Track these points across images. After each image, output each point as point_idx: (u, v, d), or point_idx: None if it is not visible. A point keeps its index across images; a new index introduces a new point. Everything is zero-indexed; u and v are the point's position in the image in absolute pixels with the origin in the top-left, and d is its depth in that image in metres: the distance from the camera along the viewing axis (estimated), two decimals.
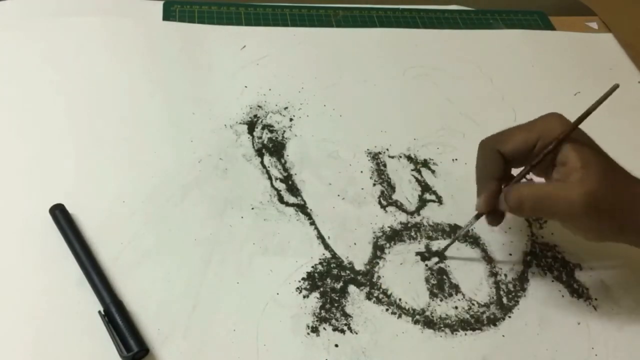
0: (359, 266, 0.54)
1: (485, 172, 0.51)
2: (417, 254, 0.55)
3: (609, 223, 0.47)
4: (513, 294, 0.53)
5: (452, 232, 0.57)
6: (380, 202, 0.59)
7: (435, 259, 0.55)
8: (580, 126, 0.48)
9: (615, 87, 0.46)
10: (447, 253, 0.55)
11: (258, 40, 0.74)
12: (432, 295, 0.53)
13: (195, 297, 0.50)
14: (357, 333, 0.50)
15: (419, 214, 0.58)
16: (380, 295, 0.52)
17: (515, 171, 0.52)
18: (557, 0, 0.88)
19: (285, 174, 0.60)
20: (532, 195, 0.47)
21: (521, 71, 0.75)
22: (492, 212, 0.52)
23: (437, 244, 0.56)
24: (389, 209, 0.58)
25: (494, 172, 0.50)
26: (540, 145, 0.49)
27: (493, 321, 0.52)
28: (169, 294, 0.50)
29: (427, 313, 0.51)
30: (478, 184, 0.51)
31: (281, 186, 0.59)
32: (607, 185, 0.46)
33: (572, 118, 0.51)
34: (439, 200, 0.60)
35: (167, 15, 0.76)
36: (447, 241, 0.56)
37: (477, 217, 0.52)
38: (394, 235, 0.56)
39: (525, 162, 0.50)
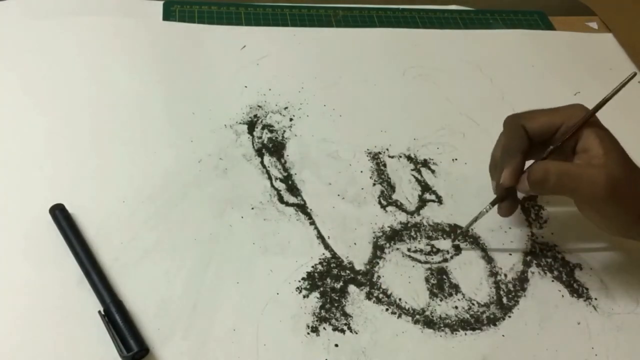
0: (359, 266, 0.54)
1: (512, 146, 0.51)
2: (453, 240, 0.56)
3: (627, 211, 0.48)
4: (513, 294, 0.53)
5: (452, 232, 0.57)
6: (380, 202, 0.59)
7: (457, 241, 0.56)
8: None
9: (633, 75, 0.48)
10: (447, 254, 0.55)
11: (258, 40, 0.74)
12: (432, 295, 0.53)
13: (195, 297, 0.50)
14: (357, 333, 0.50)
15: (418, 214, 0.58)
16: (380, 295, 0.52)
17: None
18: (557, 0, 0.89)
19: (285, 174, 0.60)
20: (558, 171, 0.48)
21: (521, 71, 0.75)
22: (507, 199, 0.53)
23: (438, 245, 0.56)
24: (389, 208, 0.58)
25: (520, 146, 0.50)
26: (564, 131, 0.50)
27: (493, 321, 0.52)
28: (169, 294, 0.50)
29: (427, 313, 0.51)
30: (503, 159, 0.51)
31: (281, 186, 0.59)
32: (628, 173, 0.48)
33: None
34: (439, 200, 0.60)
35: (167, 15, 0.76)
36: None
37: (494, 202, 0.53)
38: (394, 235, 0.56)
39: (546, 144, 0.51)
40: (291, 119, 0.65)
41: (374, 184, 0.60)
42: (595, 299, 0.54)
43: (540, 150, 0.52)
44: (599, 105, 0.49)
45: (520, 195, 0.54)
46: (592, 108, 0.50)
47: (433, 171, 0.62)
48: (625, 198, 0.47)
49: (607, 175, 0.47)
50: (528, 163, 0.51)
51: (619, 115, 0.50)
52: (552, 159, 0.51)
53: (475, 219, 0.55)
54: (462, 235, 0.56)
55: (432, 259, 0.55)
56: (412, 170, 0.62)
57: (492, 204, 0.54)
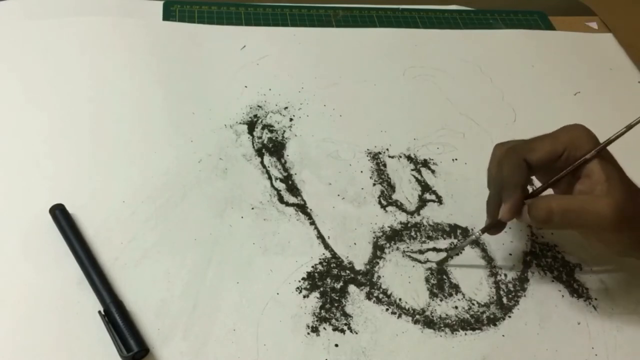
0: (359, 266, 0.54)
1: (512, 181, 0.49)
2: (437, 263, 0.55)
3: (631, 235, 0.48)
4: (513, 293, 0.53)
5: (452, 232, 0.57)
6: (380, 202, 0.59)
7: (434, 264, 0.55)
8: (581, 122, 0.48)
9: None
10: (447, 254, 0.55)
11: (258, 40, 0.74)
12: (432, 295, 0.53)
13: (195, 297, 0.50)
14: (357, 333, 0.50)
15: (419, 214, 0.58)
16: (380, 295, 0.52)
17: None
18: (557, 0, 0.89)
19: (285, 174, 0.60)
20: (561, 208, 0.47)
21: (521, 71, 0.75)
22: (496, 223, 0.52)
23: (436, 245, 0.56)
24: (389, 208, 0.58)
25: (520, 180, 0.49)
26: (567, 156, 0.49)
27: (493, 321, 0.52)
28: (169, 294, 0.50)
29: (427, 313, 0.51)
30: (503, 193, 0.50)
31: (281, 186, 0.59)
32: (631, 198, 0.47)
33: (573, 119, 0.51)
34: (439, 200, 0.60)
35: (167, 15, 0.76)
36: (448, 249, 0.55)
37: (485, 229, 0.52)
38: (394, 235, 0.56)
39: (548, 171, 0.50)
40: (291, 119, 0.65)
41: (374, 184, 0.60)
42: (595, 299, 0.54)
43: (539, 175, 0.51)
44: (609, 141, 0.48)
45: None
46: (603, 142, 0.48)
47: (433, 171, 0.62)
48: (629, 222, 0.47)
49: (611, 207, 0.46)
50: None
51: (620, 116, 0.50)
52: (553, 187, 0.50)
53: (462, 247, 0.55)
54: (449, 258, 0.55)
55: (432, 258, 0.55)
56: (412, 170, 0.62)
57: (483, 230, 0.52)
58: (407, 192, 0.60)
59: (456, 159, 0.63)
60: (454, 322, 0.51)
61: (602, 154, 0.48)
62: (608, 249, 0.50)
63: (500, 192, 0.50)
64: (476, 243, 0.56)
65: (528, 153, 0.49)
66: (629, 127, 0.47)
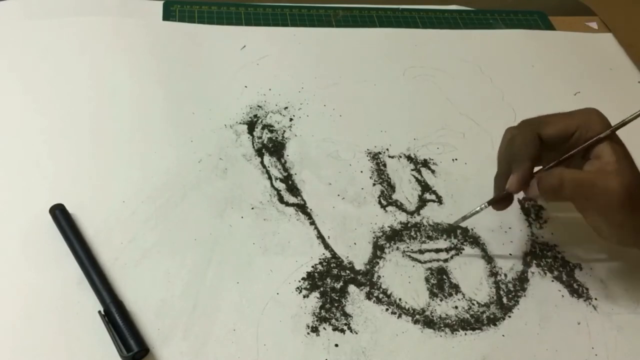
0: (359, 266, 0.54)
1: (522, 152, 0.50)
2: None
3: (637, 219, 0.48)
4: (513, 294, 0.53)
5: (451, 231, 0.57)
6: (380, 202, 0.59)
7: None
8: None
9: None
10: (447, 254, 0.55)
11: (258, 40, 0.74)
12: (432, 295, 0.53)
13: (195, 297, 0.50)
14: (357, 333, 0.50)
15: (418, 214, 0.58)
16: (380, 295, 0.52)
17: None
18: (557, 0, 0.89)
19: (285, 174, 0.60)
20: (574, 179, 0.48)
21: (521, 71, 0.75)
22: (504, 196, 0.53)
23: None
24: (389, 208, 0.58)
25: (531, 153, 0.50)
26: (578, 136, 0.50)
27: (493, 321, 0.52)
28: (169, 294, 0.50)
29: (427, 313, 0.51)
30: (513, 164, 0.51)
31: (281, 186, 0.59)
32: (639, 181, 0.47)
33: None
34: (439, 200, 0.60)
35: (167, 15, 0.76)
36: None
37: (492, 201, 0.53)
38: (394, 235, 0.56)
39: (559, 149, 0.51)
40: (291, 119, 0.65)
41: (374, 184, 0.60)
42: (595, 299, 0.54)
43: (548, 155, 0.51)
44: (624, 123, 0.49)
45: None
46: (614, 125, 0.49)
47: (433, 171, 0.62)
48: (637, 203, 0.47)
49: (621, 184, 0.47)
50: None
51: (620, 115, 0.50)
52: (563, 166, 0.51)
53: (471, 215, 0.55)
54: (456, 226, 0.56)
55: (432, 258, 0.55)
56: (412, 170, 0.62)
57: (489, 202, 0.53)
58: (407, 192, 0.60)
59: (456, 159, 0.63)
60: (454, 322, 0.51)
61: (613, 138, 0.49)
62: (612, 235, 0.50)
63: (511, 164, 0.51)
64: (476, 243, 0.56)
65: (542, 127, 0.51)
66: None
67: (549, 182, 0.49)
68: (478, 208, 0.54)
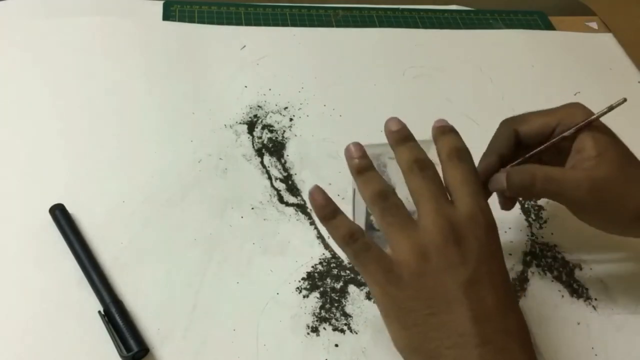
0: None
1: (491, 146, 0.50)
2: None
3: (621, 212, 0.47)
4: None
5: None
6: None
7: None
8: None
9: None
10: None
11: (258, 40, 0.74)
12: None
13: (195, 297, 0.50)
14: (357, 333, 0.50)
15: None
16: None
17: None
18: (557, 0, 0.89)
19: (285, 174, 0.60)
20: (544, 175, 0.47)
21: (521, 71, 0.75)
22: (505, 197, 0.52)
23: None
24: None
25: (500, 148, 0.50)
26: (559, 132, 0.49)
27: None
28: (169, 294, 0.50)
29: None
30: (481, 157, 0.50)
31: (281, 186, 0.59)
32: (620, 175, 0.46)
33: None
34: None
35: (167, 15, 0.76)
36: None
37: None
38: None
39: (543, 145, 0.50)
40: (291, 119, 0.65)
41: None
42: (595, 299, 0.54)
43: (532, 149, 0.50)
44: (603, 113, 0.48)
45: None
46: (596, 113, 0.48)
47: None
48: (615, 201, 0.46)
49: (592, 177, 0.46)
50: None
51: (620, 115, 0.50)
52: (548, 157, 0.50)
53: None
54: None
55: None
56: None
57: None
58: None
59: None
60: None
61: (599, 128, 0.48)
62: (598, 224, 0.49)
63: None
64: None
65: (520, 124, 0.50)
66: (619, 104, 0.47)
67: (519, 177, 0.48)
68: None
